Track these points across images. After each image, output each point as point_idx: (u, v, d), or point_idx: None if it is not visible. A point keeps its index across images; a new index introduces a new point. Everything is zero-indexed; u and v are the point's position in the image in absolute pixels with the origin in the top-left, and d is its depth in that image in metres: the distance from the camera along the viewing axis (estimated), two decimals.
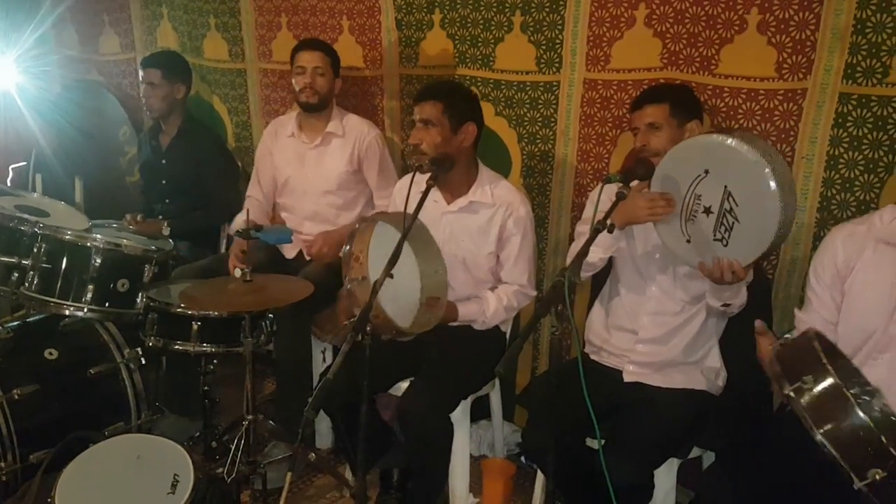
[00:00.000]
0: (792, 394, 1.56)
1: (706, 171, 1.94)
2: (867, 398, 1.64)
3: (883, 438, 1.45)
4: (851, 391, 1.60)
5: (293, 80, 3.09)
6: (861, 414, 1.47)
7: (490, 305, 2.57)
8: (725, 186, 1.91)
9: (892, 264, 1.86)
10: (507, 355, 1.68)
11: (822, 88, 2.26)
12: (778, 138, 2.36)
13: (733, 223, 1.91)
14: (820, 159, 2.31)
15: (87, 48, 4.61)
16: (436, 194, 2.58)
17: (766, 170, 1.80)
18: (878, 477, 1.45)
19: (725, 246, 1.94)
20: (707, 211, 1.96)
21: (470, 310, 2.57)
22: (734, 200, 1.90)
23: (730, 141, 1.89)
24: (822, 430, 1.50)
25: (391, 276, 2.01)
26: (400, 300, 2.23)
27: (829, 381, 1.52)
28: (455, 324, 2.58)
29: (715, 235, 1.95)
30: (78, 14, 4.56)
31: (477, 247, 2.58)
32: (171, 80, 3.48)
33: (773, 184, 1.80)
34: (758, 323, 1.89)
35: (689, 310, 2.30)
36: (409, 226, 2.11)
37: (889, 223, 1.88)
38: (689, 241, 2.03)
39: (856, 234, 1.93)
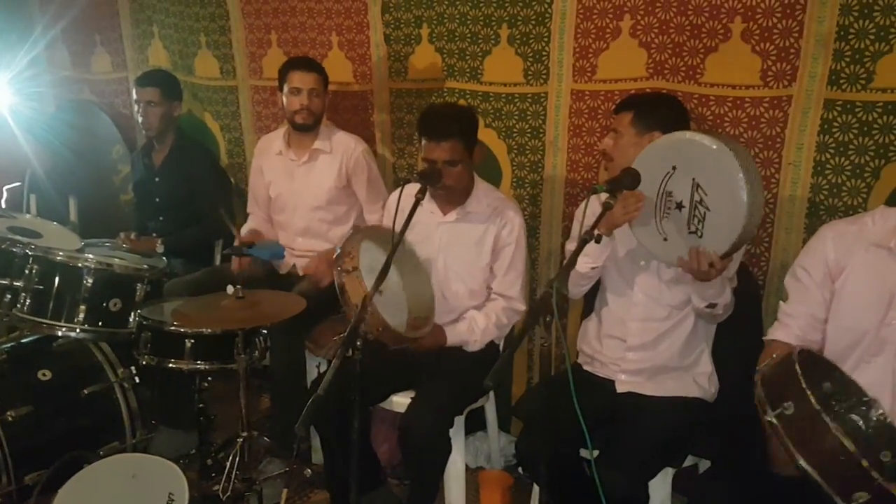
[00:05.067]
0: (773, 420, 1.54)
1: (674, 168, 1.97)
2: (864, 408, 1.63)
3: (864, 462, 1.43)
4: (844, 404, 1.59)
5: (285, 99, 3.08)
6: (839, 438, 1.45)
7: (479, 325, 2.56)
8: (693, 179, 1.93)
9: (885, 267, 1.85)
10: (496, 367, 1.68)
11: (808, 95, 2.28)
12: (765, 145, 2.38)
13: (705, 213, 1.93)
14: (807, 165, 2.32)
15: (80, 68, 4.63)
16: (431, 205, 2.59)
17: (729, 155, 1.83)
18: (862, 500, 1.44)
19: (700, 237, 1.96)
20: (679, 206, 1.98)
21: (459, 332, 2.56)
22: (703, 191, 1.92)
23: (689, 135, 1.93)
24: (804, 457, 1.49)
25: (380, 293, 2.02)
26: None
27: (808, 407, 1.50)
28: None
29: (689, 228, 1.97)
30: (70, 34, 4.59)
31: (473, 259, 2.59)
32: (169, 99, 3.50)
33: (736, 165, 1.82)
34: None
35: (677, 315, 2.30)
36: (399, 239, 2.12)
37: (882, 226, 1.88)
38: (665, 240, 2.05)
39: (847, 234, 1.92)
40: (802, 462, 1.49)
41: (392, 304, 2.30)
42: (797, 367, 1.57)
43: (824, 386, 1.55)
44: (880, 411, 1.64)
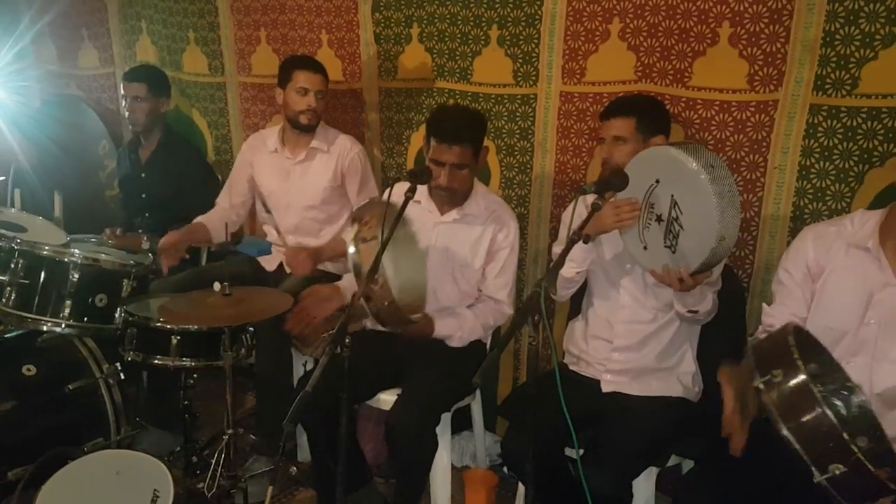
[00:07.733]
0: (761, 386, 1.57)
1: (657, 181, 1.99)
2: (846, 393, 1.66)
3: (845, 435, 1.46)
4: (829, 387, 1.62)
5: (289, 98, 3.00)
6: (824, 410, 1.48)
7: (467, 323, 2.58)
8: (672, 195, 1.95)
9: (863, 267, 1.89)
10: (484, 366, 1.68)
11: (794, 100, 2.30)
12: (751, 149, 2.40)
13: (679, 231, 1.95)
14: (792, 169, 2.35)
15: (67, 63, 4.60)
16: (429, 204, 2.60)
17: (703, 177, 1.83)
18: (837, 472, 1.47)
19: (674, 253, 1.98)
20: (658, 219, 2.01)
21: (447, 325, 2.56)
22: (679, 209, 1.94)
23: (674, 151, 1.93)
24: (788, 425, 1.52)
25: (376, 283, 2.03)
26: None
27: (797, 377, 1.54)
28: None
29: (665, 242, 2.00)
30: (57, 29, 4.56)
31: (468, 260, 2.60)
32: (156, 95, 3.48)
33: (711, 192, 1.82)
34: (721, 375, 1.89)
35: (662, 317, 2.33)
36: (389, 237, 2.11)
37: (861, 228, 1.91)
38: (645, 248, 2.08)
39: (826, 236, 1.97)
40: (784, 430, 1.52)
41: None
42: (791, 338, 1.59)
43: (810, 367, 1.57)
44: (862, 398, 1.68)
